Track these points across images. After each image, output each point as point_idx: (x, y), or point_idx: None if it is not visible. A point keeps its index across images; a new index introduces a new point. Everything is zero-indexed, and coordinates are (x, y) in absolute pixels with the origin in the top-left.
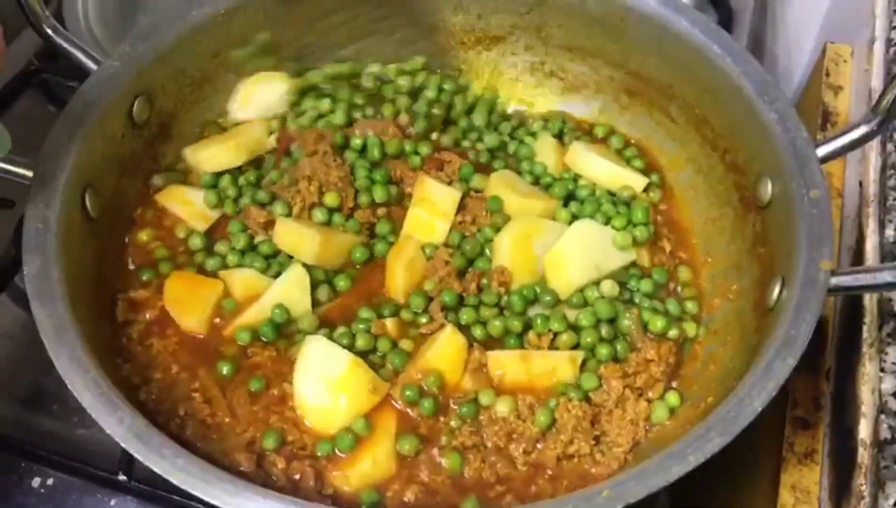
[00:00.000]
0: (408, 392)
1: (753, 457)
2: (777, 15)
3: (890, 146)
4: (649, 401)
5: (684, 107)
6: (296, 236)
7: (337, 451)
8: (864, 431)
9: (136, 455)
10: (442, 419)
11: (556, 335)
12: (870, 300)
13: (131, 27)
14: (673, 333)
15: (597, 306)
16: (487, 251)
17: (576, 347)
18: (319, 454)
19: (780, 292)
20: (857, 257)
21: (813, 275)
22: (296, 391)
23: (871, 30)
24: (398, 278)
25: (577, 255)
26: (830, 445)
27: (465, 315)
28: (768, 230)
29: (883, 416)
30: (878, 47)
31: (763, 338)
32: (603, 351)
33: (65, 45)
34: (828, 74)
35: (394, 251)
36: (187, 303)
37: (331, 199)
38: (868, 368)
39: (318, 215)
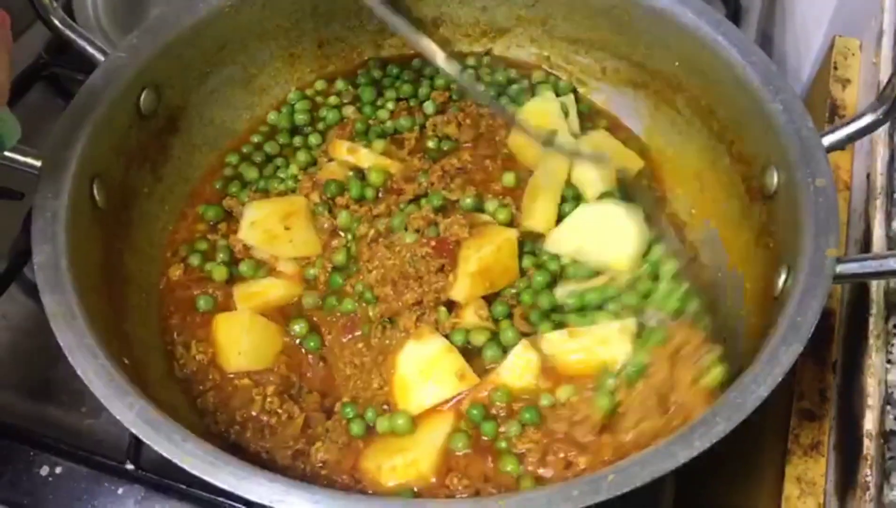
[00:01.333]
0: (473, 411)
1: (759, 449)
2: (786, 9)
3: None
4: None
5: (690, 99)
6: None
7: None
8: (869, 422)
9: (146, 441)
10: (501, 429)
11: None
12: (877, 292)
13: (140, 21)
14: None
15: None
16: None
17: None
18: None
19: (787, 280)
20: (865, 248)
21: (819, 262)
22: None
23: (880, 23)
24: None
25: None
26: (836, 437)
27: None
28: (774, 220)
29: (889, 407)
30: (887, 41)
31: (769, 326)
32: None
33: (73, 37)
34: (836, 68)
35: None
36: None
37: None
38: (874, 359)
39: None
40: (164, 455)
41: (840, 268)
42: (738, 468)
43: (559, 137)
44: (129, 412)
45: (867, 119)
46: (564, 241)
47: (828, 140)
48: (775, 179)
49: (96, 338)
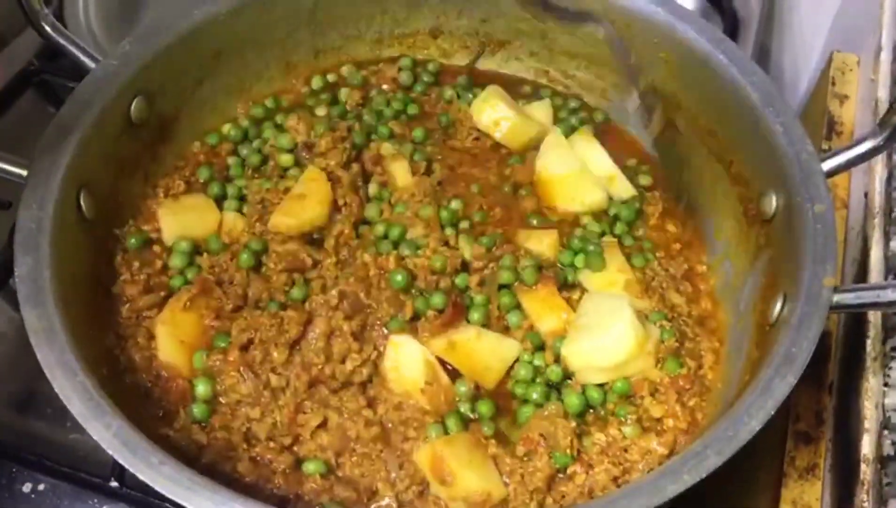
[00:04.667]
0: None
1: (754, 471)
2: (784, 24)
3: None
4: None
5: (690, 117)
6: None
7: None
8: (866, 446)
9: (122, 462)
10: None
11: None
12: (874, 314)
13: (133, 28)
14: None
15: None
16: None
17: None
18: None
19: (782, 308)
20: (862, 268)
21: (815, 292)
22: None
23: (878, 39)
24: None
25: None
26: (832, 460)
27: None
28: (772, 244)
29: (886, 431)
30: (885, 57)
31: (763, 355)
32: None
33: (64, 43)
34: (833, 84)
35: None
36: None
37: None
38: (871, 382)
39: None
40: (141, 477)
41: (837, 298)
42: (734, 489)
43: None
44: (107, 433)
45: (867, 145)
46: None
47: (827, 165)
48: (774, 203)
49: (77, 354)
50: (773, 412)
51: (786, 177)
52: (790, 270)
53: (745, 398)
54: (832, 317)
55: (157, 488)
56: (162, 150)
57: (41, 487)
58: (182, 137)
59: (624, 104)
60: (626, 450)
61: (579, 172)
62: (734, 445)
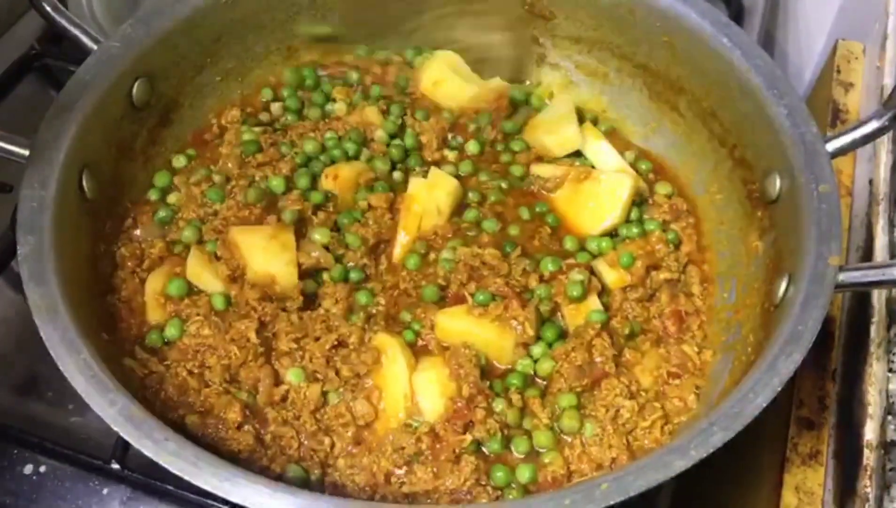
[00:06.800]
0: None
1: (757, 457)
2: (789, 11)
3: None
4: None
5: (692, 101)
6: None
7: None
8: (870, 432)
9: (127, 438)
10: None
11: None
12: (878, 300)
13: (134, 12)
14: None
15: None
16: None
17: None
18: None
19: (787, 288)
20: (867, 255)
21: (820, 271)
22: None
23: (884, 27)
24: None
25: None
26: (836, 446)
27: None
28: (776, 226)
29: (890, 417)
30: (891, 45)
31: (769, 334)
32: None
33: (65, 24)
34: (839, 71)
35: None
36: None
37: None
38: (875, 368)
39: None
40: (145, 453)
41: (842, 276)
42: (736, 476)
43: None
44: (111, 409)
45: (872, 125)
46: None
47: (832, 146)
48: (777, 185)
49: (80, 332)
50: (778, 390)
51: (790, 158)
52: (795, 251)
53: (751, 375)
54: (836, 302)
55: (162, 463)
56: (164, 133)
57: (42, 469)
58: (183, 120)
59: (622, 90)
60: None
61: None
62: (740, 421)
